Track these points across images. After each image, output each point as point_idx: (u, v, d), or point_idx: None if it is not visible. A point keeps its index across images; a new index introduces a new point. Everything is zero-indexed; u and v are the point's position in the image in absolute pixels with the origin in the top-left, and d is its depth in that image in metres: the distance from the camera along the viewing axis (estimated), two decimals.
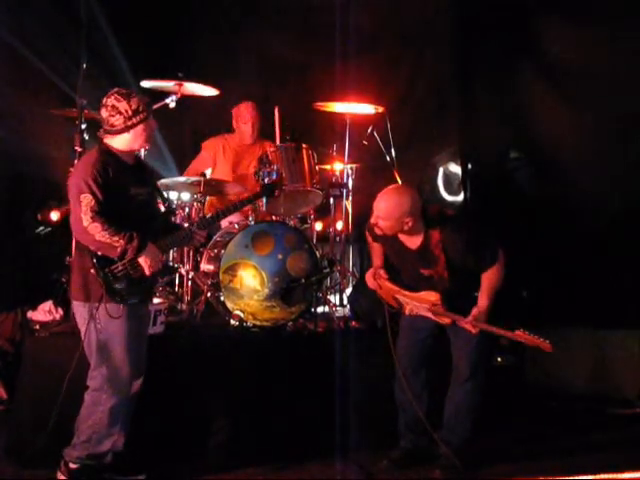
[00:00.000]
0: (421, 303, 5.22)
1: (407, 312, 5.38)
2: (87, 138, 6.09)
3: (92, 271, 4.83)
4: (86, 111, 6.22)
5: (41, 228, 8.08)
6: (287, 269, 6.27)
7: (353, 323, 6.41)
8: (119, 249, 4.78)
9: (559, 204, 7.47)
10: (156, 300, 5.47)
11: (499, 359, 6.89)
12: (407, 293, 5.31)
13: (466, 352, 5.28)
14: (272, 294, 6.23)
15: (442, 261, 5.10)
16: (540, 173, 7.84)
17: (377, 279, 5.44)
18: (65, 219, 6.90)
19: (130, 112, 4.88)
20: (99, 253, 4.83)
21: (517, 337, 4.95)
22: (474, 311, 5.09)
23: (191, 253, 6.57)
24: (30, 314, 6.24)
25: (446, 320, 5.20)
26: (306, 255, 6.33)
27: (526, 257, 7.11)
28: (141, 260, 4.88)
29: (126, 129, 4.91)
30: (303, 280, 6.24)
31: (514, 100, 7.74)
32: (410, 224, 5.08)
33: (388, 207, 5.05)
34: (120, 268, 4.84)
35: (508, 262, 5.09)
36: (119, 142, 4.96)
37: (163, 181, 6.61)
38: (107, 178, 4.80)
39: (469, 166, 7.94)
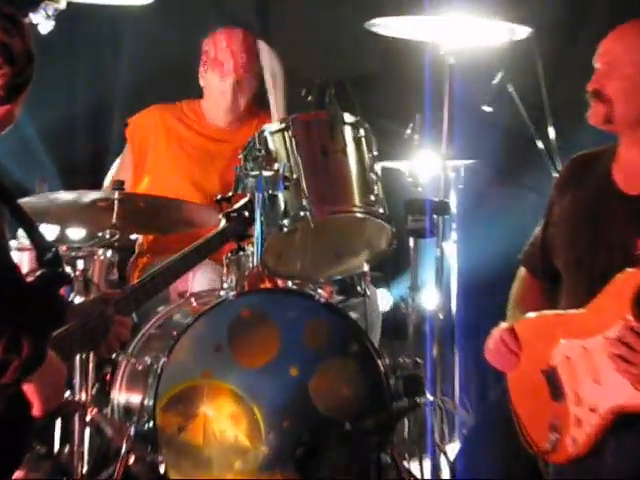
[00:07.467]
0: (605, 317, 3.54)
1: (568, 442, 3.54)
2: None
3: None
4: None
5: None
6: (311, 399, 4.43)
7: None
8: None
9: None
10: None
11: None
12: (577, 313, 3.67)
13: None
14: (276, 457, 4.40)
15: None
16: None
17: (504, 337, 3.71)
18: None
19: None
20: None
21: None
22: None
23: (91, 365, 4.62)
24: None
25: None
26: (355, 367, 4.47)
27: None
28: (32, 387, 2.98)
29: None
30: (348, 426, 4.40)
31: None
32: None
33: (629, 38, 3.76)
34: None
35: None
36: None
37: (28, 202, 4.56)
38: None
39: None
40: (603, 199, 3.70)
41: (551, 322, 3.65)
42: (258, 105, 5.32)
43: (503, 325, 3.69)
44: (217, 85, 5.15)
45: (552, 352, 3.56)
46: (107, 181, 5.35)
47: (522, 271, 3.90)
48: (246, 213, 4.25)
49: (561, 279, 3.78)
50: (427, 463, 4.66)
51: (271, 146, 4.35)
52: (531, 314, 3.71)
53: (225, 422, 4.35)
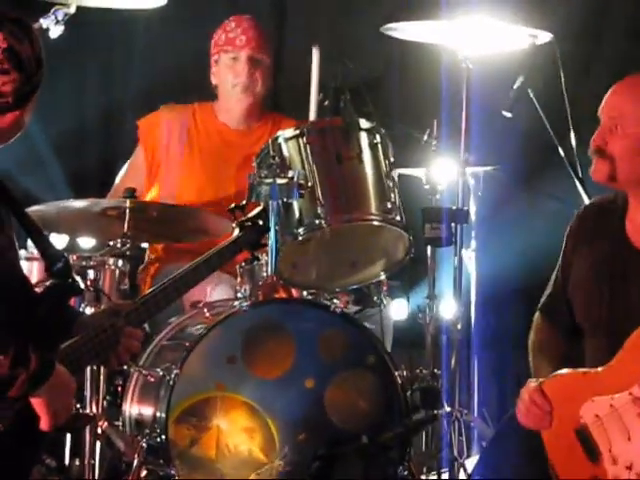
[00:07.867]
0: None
1: None
2: None
3: None
4: None
5: None
6: (327, 412, 4.41)
7: None
8: None
9: None
10: None
11: None
12: (601, 371, 3.60)
13: None
14: (291, 472, 4.40)
15: None
16: None
17: (536, 399, 3.62)
18: None
19: None
20: None
21: None
22: None
23: (102, 377, 4.58)
24: None
25: None
26: (371, 379, 4.46)
27: None
28: (40, 401, 3.04)
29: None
30: (364, 439, 4.37)
31: None
32: None
33: (636, 93, 3.68)
34: None
35: None
36: None
37: (36, 210, 4.53)
38: None
39: None
40: (619, 259, 3.70)
41: (578, 381, 3.63)
42: (272, 109, 5.27)
43: (531, 385, 3.64)
44: (231, 68, 5.04)
45: (581, 411, 3.54)
46: (117, 180, 5.25)
47: (540, 320, 3.90)
48: (260, 222, 4.14)
49: (582, 332, 3.84)
50: (445, 477, 4.58)
51: (285, 153, 4.33)
52: (561, 372, 3.68)
53: (239, 435, 4.36)
